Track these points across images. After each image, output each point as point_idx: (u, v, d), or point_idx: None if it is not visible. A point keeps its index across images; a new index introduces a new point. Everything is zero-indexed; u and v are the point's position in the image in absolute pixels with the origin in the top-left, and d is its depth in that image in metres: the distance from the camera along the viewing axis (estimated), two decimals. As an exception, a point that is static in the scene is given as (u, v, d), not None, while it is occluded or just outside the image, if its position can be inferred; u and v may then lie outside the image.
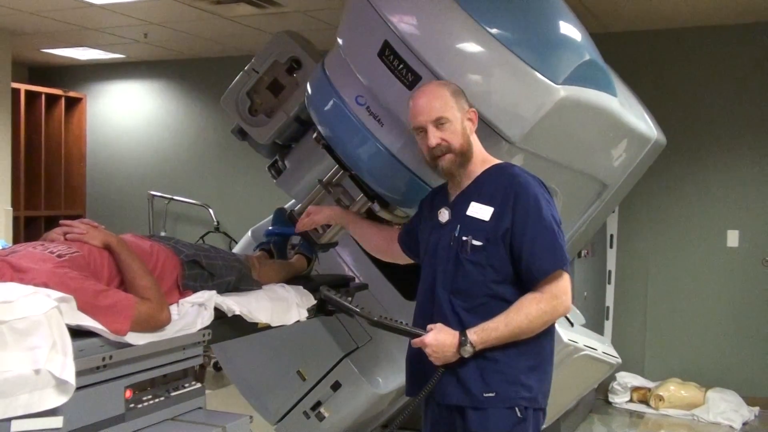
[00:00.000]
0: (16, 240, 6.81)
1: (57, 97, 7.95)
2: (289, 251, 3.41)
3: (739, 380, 5.71)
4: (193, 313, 2.41)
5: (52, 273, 2.06)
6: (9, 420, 1.76)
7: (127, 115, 8.07)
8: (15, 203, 7.03)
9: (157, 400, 2.23)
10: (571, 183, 3.07)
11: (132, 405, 2.13)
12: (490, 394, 2.24)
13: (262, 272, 2.99)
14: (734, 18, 5.64)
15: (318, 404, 3.70)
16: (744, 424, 5.37)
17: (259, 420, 3.82)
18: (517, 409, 2.25)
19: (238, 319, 2.63)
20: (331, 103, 2.68)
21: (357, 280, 3.63)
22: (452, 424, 2.33)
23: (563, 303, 2.25)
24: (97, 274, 2.24)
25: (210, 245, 2.99)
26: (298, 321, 2.92)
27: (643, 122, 3.50)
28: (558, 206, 2.40)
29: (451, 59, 2.45)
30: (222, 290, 2.65)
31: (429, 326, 2.28)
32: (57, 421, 1.83)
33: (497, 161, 2.40)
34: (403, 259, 2.76)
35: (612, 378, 5.78)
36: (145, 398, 2.19)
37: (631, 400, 5.80)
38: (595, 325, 5.18)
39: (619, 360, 5.21)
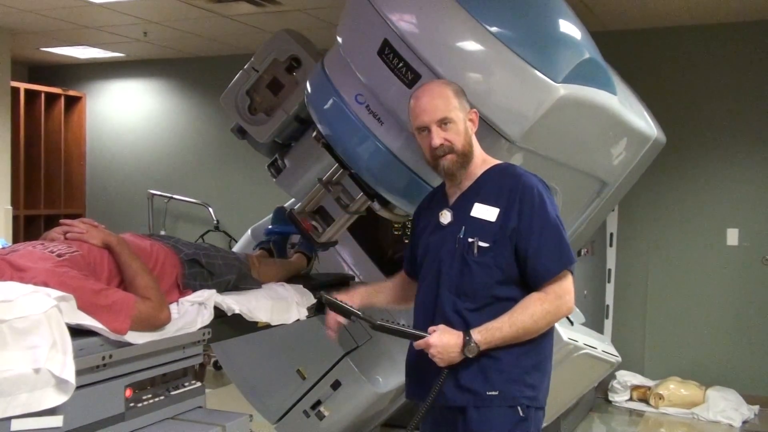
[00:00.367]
0: (15, 239, 6.81)
1: (56, 96, 7.95)
2: (288, 250, 3.41)
3: (739, 379, 5.71)
4: (192, 312, 2.42)
5: (52, 272, 2.06)
6: (9, 419, 1.76)
7: (127, 113, 8.07)
8: (15, 202, 7.03)
9: (157, 399, 2.23)
10: (571, 181, 3.07)
11: (132, 404, 2.13)
12: (493, 393, 2.24)
13: (261, 271, 2.99)
14: (734, 16, 5.64)
15: (318, 403, 3.70)
16: (744, 422, 5.37)
17: (259, 419, 3.82)
18: (519, 408, 2.25)
19: (237, 318, 2.63)
20: (330, 101, 2.68)
21: (357, 279, 3.63)
22: (454, 424, 2.31)
23: (566, 303, 2.25)
24: (97, 273, 2.24)
25: (210, 244, 2.99)
26: (298, 320, 2.92)
27: (642, 120, 3.50)
28: (558, 205, 2.40)
29: (451, 58, 2.45)
30: (222, 289, 2.65)
31: (431, 328, 2.26)
32: (57, 420, 1.83)
33: (497, 161, 2.39)
34: None
35: (612, 376, 5.78)
36: (145, 397, 2.19)
37: (630, 399, 5.80)
38: (594, 323, 5.18)
39: (619, 358, 5.21)
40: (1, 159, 6.67)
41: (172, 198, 7.58)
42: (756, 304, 5.78)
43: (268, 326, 2.81)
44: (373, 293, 2.65)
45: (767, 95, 5.75)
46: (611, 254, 5.92)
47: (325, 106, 2.71)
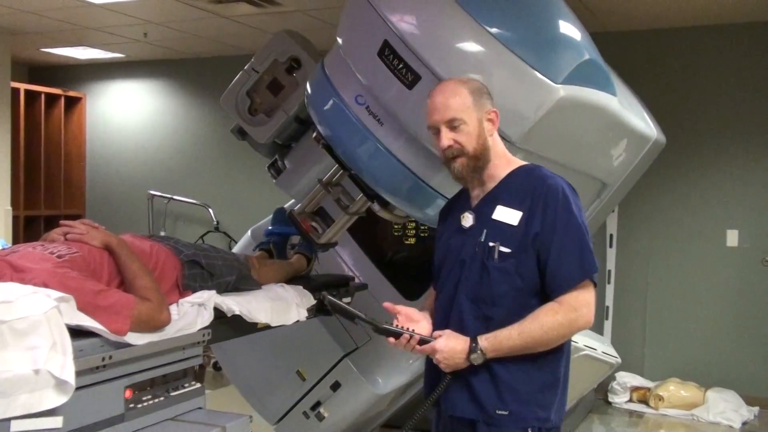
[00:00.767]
0: (15, 239, 6.81)
1: (56, 97, 7.95)
2: (288, 251, 3.41)
3: (738, 380, 5.71)
4: (192, 313, 2.42)
5: (52, 273, 2.06)
6: (8, 420, 1.75)
7: (127, 114, 8.07)
8: (15, 203, 7.03)
9: (156, 400, 2.23)
10: (571, 182, 3.07)
11: (132, 405, 2.13)
12: (503, 413, 2.15)
13: (261, 272, 2.99)
14: (734, 17, 5.64)
15: (318, 404, 3.71)
16: (743, 423, 5.36)
17: (259, 420, 3.82)
18: (530, 430, 2.16)
19: (237, 319, 2.63)
20: (330, 102, 2.68)
21: (357, 280, 3.62)
22: None
23: (584, 316, 2.13)
24: (97, 274, 2.24)
25: (210, 245, 2.99)
26: (298, 321, 2.92)
27: (642, 121, 3.50)
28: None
29: (451, 59, 2.45)
30: (222, 290, 2.65)
31: (436, 333, 2.20)
32: (56, 421, 1.83)
33: (523, 163, 2.28)
34: None
35: (611, 378, 5.77)
36: (144, 398, 2.19)
37: (630, 400, 5.80)
38: (594, 324, 5.17)
39: (619, 360, 5.21)
40: (1, 160, 6.67)
41: (172, 199, 7.58)
42: (756, 305, 5.78)
43: (267, 327, 2.81)
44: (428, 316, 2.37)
45: (767, 96, 5.75)
46: (611, 255, 5.93)
47: (325, 107, 2.71)
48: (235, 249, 4.09)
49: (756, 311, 5.78)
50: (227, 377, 4.19)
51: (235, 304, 2.60)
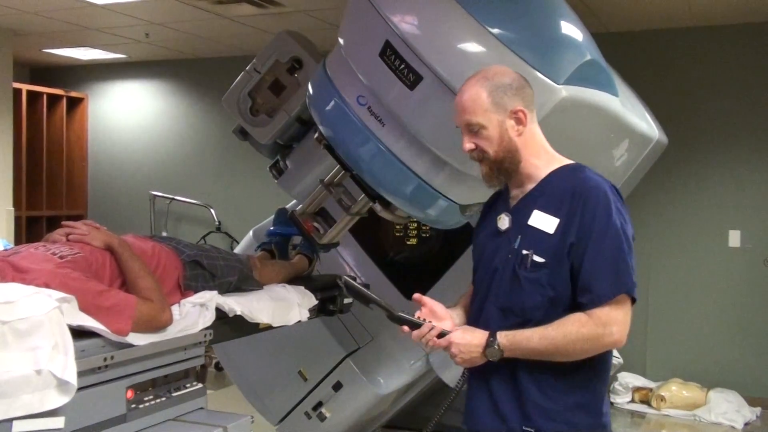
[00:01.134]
0: (17, 240, 6.82)
1: (58, 97, 7.96)
2: (290, 251, 3.41)
3: (740, 380, 5.71)
4: (194, 313, 2.42)
5: (54, 273, 2.06)
6: (10, 420, 1.76)
7: (129, 115, 8.08)
8: (17, 203, 7.04)
9: (158, 400, 2.23)
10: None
11: (133, 405, 2.13)
12: (530, 429, 2.02)
13: (263, 272, 2.99)
14: (735, 18, 5.64)
15: (319, 404, 3.71)
16: (746, 424, 5.36)
17: (261, 420, 3.82)
18: None
19: (239, 320, 2.63)
20: (332, 103, 2.68)
21: (358, 281, 3.62)
22: None
23: (612, 335, 1.94)
24: (99, 275, 2.24)
25: (211, 245, 3.00)
26: (300, 321, 2.92)
27: (644, 122, 3.49)
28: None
29: (453, 59, 2.44)
30: (223, 290, 2.65)
31: (452, 326, 2.11)
32: (58, 422, 1.83)
33: (567, 161, 2.12)
34: None
35: (613, 378, 5.77)
36: (146, 398, 2.19)
37: (632, 401, 5.79)
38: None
39: (621, 360, 5.21)
40: (4, 160, 6.68)
41: (174, 199, 7.58)
42: (758, 305, 5.78)
43: (269, 327, 2.81)
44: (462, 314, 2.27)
45: (769, 97, 5.76)
46: (613, 256, 5.91)
47: (327, 108, 2.71)
48: (237, 249, 4.09)
49: (758, 312, 5.77)
50: (229, 377, 4.19)
51: (236, 304, 2.60)
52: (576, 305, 1.96)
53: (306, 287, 3.08)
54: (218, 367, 6.12)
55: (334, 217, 3.20)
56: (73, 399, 1.83)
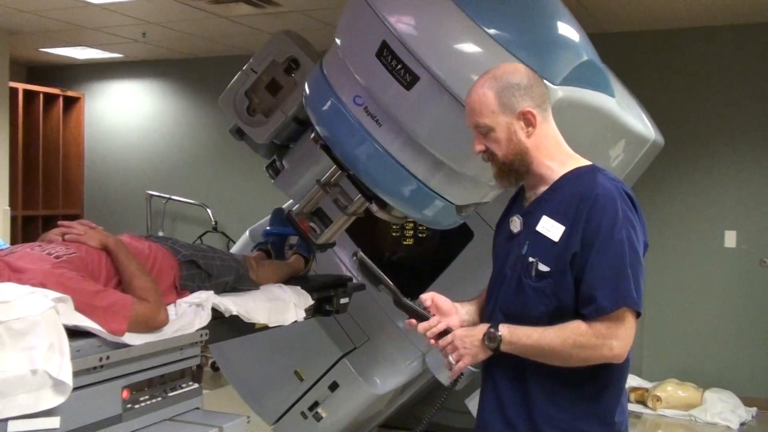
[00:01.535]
0: (13, 239, 6.81)
1: (55, 97, 7.95)
2: (286, 251, 3.41)
3: (736, 381, 5.72)
4: (190, 313, 2.42)
5: (50, 273, 2.06)
6: (6, 420, 1.75)
7: (125, 114, 8.07)
8: (13, 203, 7.02)
9: (154, 400, 2.23)
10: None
11: (129, 405, 2.13)
12: None
13: (259, 272, 2.99)
14: (731, 19, 5.65)
15: (315, 405, 3.71)
16: (741, 424, 5.37)
17: (257, 420, 3.82)
18: None
19: (235, 320, 2.63)
20: (329, 103, 2.68)
21: (354, 281, 3.62)
22: None
23: (612, 348, 1.88)
24: (95, 274, 2.24)
25: (208, 245, 3.00)
26: (296, 321, 2.92)
27: (640, 123, 3.50)
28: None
29: (449, 60, 2.45)
30: (219, 290, 2.65)
31: (460, 322, 2.08)
32: (54, 422, 1.83)
33: (583, 163, 2.04)
34: None
35: (610, 378, 5.77)
36: (142, 398, 2.19)
37: (628, 401, 5.79)
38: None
39: (617, 360, 5.20)
40: (0, 159, 6.66)
41: (170, 199, 7.58)
42: (754, 305, 5.79)
43: (265, 327, 2.81)
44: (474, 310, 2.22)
45: (764, 97, 5.76)
46: (609, 256, 5.92)
47: (324, 108, 2.71)
48: (234, 249, 4.09)
49: (754, 312, 5.79)
50: (225, 377, 4.19)
51: (233, 304, 2.60)
52: (580, 317, 1.91)
53: (302, 287, 3.08)
54: (214, 367, 6.11)
55: (331, 217, 3.20)
56: (69, 399, 1.83)
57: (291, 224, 3.16)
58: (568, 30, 2.66)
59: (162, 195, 7.61)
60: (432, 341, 2.07)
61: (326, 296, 3.27)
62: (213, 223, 7.41)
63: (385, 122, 2.58)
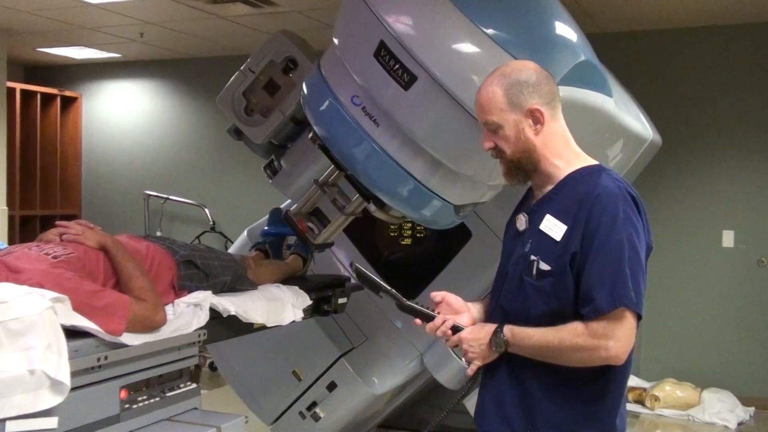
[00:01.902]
0: (11, 239, 6.80)
1: (52, 97, 7.94)
2: (284, 251, 3.41)
3: (734, 380, 5.72)
4: (188, 313, 2.42)
5: (47, 273, 2.06)
6: (4, 420, 1.75)
7: (123, 114, 8.06)
8: (10, 202, 7.02)
9: (152, 400, 2.23)
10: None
11: (127, 405, 2.13)
12: None
13: (257, 272, 2.99)
14: (729, 19, 5.66)
15: (314, 404, 3.71)
16: (739, 424, 5.37)
17: (255, 420, 3.82)
18: None
19: (233, 320, 2.63)
20: (326, 103, 2.68)
21: (352, 281, 3.62)
22: None
23: (608, 349, 1.87)
24: (93, 275, 2.24)
25: (206, 245, 3.00)
26: (294, 321, 2.92)
27: (638, 123, 3.50)
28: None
29: (447, 60, 2.45)
30: (217, 290, 2.65)
31: (471, 320, 2.07)
32: (52, 422, 1.83)
33: (590, 163, 2.03)
34: None
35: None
36: (140, 398, 2.19)
37: (626, 400, 5.80)
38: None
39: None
40: (-3, 159, 6.67)
41: (168, 199, 7.57)
42: (752, 305, 5.80)
43: (263, 327, 2.81)
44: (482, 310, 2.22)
45: (762, 97, 5.77)
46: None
47: (321, 108, 2.71)
48: (232, 249, 4.09)
49: (752, 312, 5.79)
50: (223, 377, 4.19)
51: (230, 304, 2.60)
52: (580, 317, 1.90)
53: (300, 287, 3.08)
54: (212, 367, 6.11)
55: (329, 217, 3.21)
56: (67, 399, 1.83)
57: (289, 224, 3.17)
58: (565, 30, 2.66)
59: (160, 195, 7.60)
60: (445, 342, 2.07)
61: (324, 296, 3.27)
62: (211, 223, 7.41)
63: (383, 122, 2.58)
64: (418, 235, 4.16)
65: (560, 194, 1.97)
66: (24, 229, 7.58)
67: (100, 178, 8.14)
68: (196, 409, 2.38)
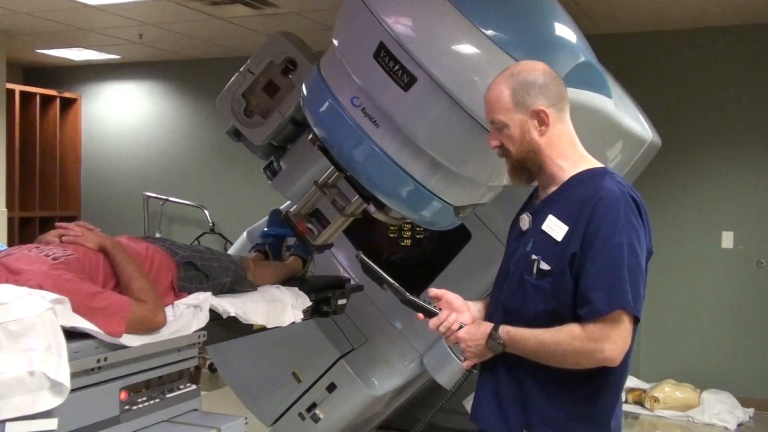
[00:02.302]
0: (10, 241, 6.80)
1: (52, 98, 7.94)
2: (284, 252, 3.41)
3: (734, 381, 5.72)
4: (188, 314, 2.41)
5: (47, 275, 2.06)
6: (3, 422, 1.75)
7: (122, 115, 8.06)
8: (9, 204, 7.02)
9: (152, 401, 2.23)
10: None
11: (127, 407, 2.13)
12: None
13: (257, 273, 2.99)
14: (728, 20, 5.66)
15: (313, 406, 3.71)
16: (739, 425, 5.37)
17: (255, 422, 3.81)
18: None
19: (233, 321, 2.63)
20: (326, 104, 2.68)
21: (352, 282, 3.63)
22: None
23: (604, 352, 1.87)
24: (92, 276, 2.24)
25: (205, 247, 2.99)
26: (294, 322, 2.92)
27: (638, 124, 3.50)
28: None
29: (447, 61, 2.45)
30: (217, 292, 2.65)
31: (472, 318, 2.08)
32: (52, 423, 1.83)
33: (593, 165, 2.04)
34: None
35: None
36: (140, 400, 2.19)
37: (626, 402, 5.79)
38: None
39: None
40: (-3, 161, 6.66)
41: (167, 200, 7.57)
42: (751, 306, 5.80)
43: (263, 329, 2.81)
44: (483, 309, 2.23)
45: (762, 98, 5.77)
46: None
47: (321, 109, 2.71)
48: (231, 250, 4.08)
49: (751, 313, 5.79)
50: (223, 379, 4.19)
51: (230, 305, 2.60)
52: (578, 319, 1.91)
53: (300, 288, 3.08)
54: (212, 369, 6.12)
55: (328, 218, 3.21)
56: (67, 400, 1.83)
57: (289, 225, 3.16)
58: (565, 31, 2.67)
59: (159, 196, 7.60)
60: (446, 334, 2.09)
61: (324, 297, 3.27)
62: (210, 224, 7.41)
63: (382, 123, 2.58)
64: (418, 236, 4.16)
65: (563, 195, 1.99)
66: (23, 231, 7.58)
67: (99, 180, 8.14)
68: (195, 410, 2.38)
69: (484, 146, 2.46)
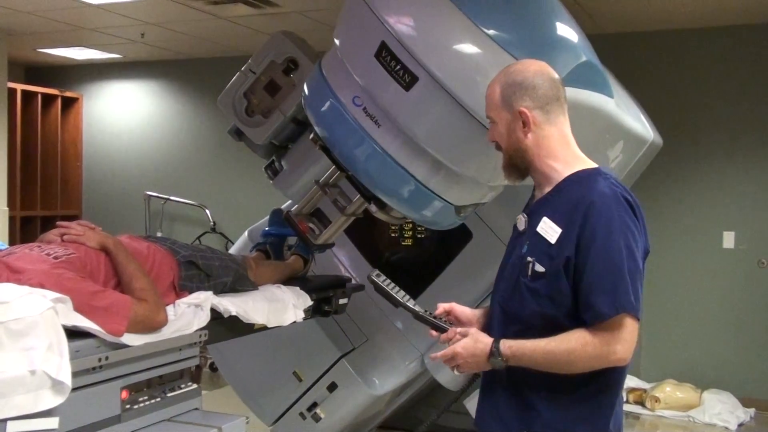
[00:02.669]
0: (12, 240, 6.81)
1: (53, 97, 7.94)
2: (285, 252, 3.41)
3: (734, 381, 5.72)
4: (189, 313, 2.42)
5: (48, 274, 2.06)
6: (4, 421, 1.75)
7: (124, 115, 8.07)
8: (11, 203, 7.02)
9: (153, 401, 2.23)
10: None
11: (128, 406, 2.13)
12: None
13: (258, 273, 2.99)
14: (729, 20, 5.66)
15: (314, 405, 3.71)
16: (739, 425, 5.37)
17: (256, 421, 3.81)
18: None
19: (234, 320, 2.63)
20: (327, 103, 2.68)
21: (353, 281, 3.63)
22: None
23: (617, 353, 1.90)
24: (94, 275, 2.24)
25: (206, 246, 3.00)
26: (295, 322, 2.92)
27: (639, 124, 3.50)
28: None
29: (448, 60, 2.45)
30: (218, 291, 2.65)
31: (460, 330, 2.06)
32: (53, 422, 1.83)
33: (588, 166, 2.04)
34: None
35: (608, 379, 5.77)
36: (141, 399, 2.19)
37: (627, 402, 5.79)
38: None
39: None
40: (-2, 160, 6.67)
41: (168, 199, 7.57)
42: (752, 306, 5.79)
43: (264, 328, 2.81)
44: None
45: (762, 98, 5.77)
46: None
47: (323, 109, 2.71)
48: (232, 250, 4.09)
49: (752, 312, 5.79)
50: (224, 378, 4.19)
51: (231, 304, 2.60)
52: (576, 320, 1.91)
53: (301, 288, 3.08)
54: (213, 368, 6.11)
55: (330, 217, 3.21)
56: (68, 399, 1.83)
57: (290, 225, 3.16)
58: (566, 30, 2.67)
59: (160, 196, 7.61)
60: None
61: (325, 297, 3.27)
62: (211, 223, 7.41)
63: (384, 123, 2.58)
64: (419, 235, 4.16)
65: (557, 197, 1.99)
66: (25, 230, 7.59)
67: (100, 179, 8.14)
68: (196, 409, 2.38)
69: (485, 146, 2.46)
